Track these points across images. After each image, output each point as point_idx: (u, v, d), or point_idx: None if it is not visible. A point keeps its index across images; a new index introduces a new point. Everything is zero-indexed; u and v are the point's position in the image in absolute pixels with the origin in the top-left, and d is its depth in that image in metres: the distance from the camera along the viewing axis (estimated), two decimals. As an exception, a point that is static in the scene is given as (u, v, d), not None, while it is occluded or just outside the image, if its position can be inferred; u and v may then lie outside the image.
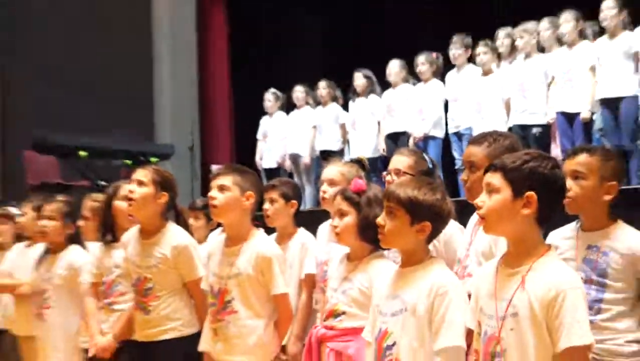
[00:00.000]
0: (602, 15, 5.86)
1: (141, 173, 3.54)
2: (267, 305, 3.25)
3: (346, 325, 2.77)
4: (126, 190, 3.72)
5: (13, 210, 5.05)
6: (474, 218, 2.74)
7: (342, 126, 7.85)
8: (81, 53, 8.96)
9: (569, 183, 2.48)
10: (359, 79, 7.62)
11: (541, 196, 2.08)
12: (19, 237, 4.98)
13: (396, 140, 7.27)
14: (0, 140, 8.62)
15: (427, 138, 7.02)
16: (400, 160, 3.22)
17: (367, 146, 7.44)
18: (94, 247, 4.10)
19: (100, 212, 4.04)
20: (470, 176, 2.64)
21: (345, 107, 7.91)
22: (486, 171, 2.19)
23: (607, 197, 2.59)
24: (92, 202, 4.33)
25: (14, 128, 8.58)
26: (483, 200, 2.14)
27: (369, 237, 2.79)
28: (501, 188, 2.10)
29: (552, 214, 2.17)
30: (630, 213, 2.69)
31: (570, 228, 2.66)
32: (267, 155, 8.39)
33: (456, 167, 6.72)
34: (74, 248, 4.23)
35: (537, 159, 2.15)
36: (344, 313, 2.79)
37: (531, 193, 2.07)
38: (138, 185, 3.50)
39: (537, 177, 2.09)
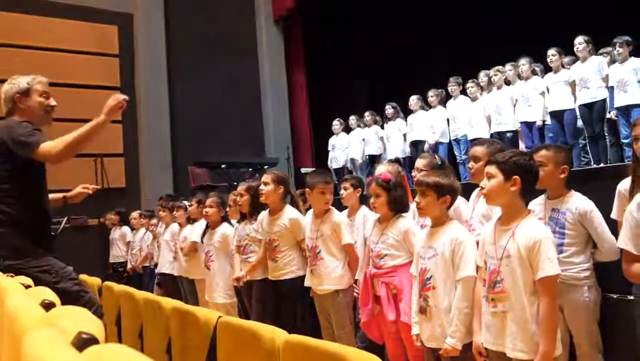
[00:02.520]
0: (549, 59, 5.74)
1: (265, 177, 3.57)
2: (341, 252, 3.24)
3: (389, 264, 2.75)
4: (241, 188, 3.87)
5: (185, 202, 5.16)
6: (475, 192, 2.72)
7: (381, 139, 7.74)
8: (219, 102, 9.13)
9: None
10: (389, 109, 7.55)
11: (522, 178, 2.06)
12: (188, 219, 5.05)
13: (417, 145, 7.16)
14: (173, 159, 8.85)
15: (437, 144, 6.89)
16: (421, 162, 3.19)
17: (397, 151, 7.37)
18: (235, 223, 4.19)
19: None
20: (474, 165, 2.64)
21: (382, 126, 7.82)
22: (486, 164, 2.17)
23: (562, 175, 2.52)
24: (233, 196, 4.42)
25: (180, 151, 8.80)
26: (485, 183, 2.12)
27: (395, 208, 2.82)
28: (496, 175, 2.08)
29: (529, 190, 2.14)
30: (577, 185, 2.62)
31: (541, 198, 2.61)
32: (335, 160, 8.33)
33: (457, 161, 6.61)
34: (224, 225, 4.32)
35: (519, 155, 2.13)
36: (385, 255, 2.77)
37: (516, 177, 2.06)
38: (264, 185, 3.54)
39: (519, 166, 2.07)
